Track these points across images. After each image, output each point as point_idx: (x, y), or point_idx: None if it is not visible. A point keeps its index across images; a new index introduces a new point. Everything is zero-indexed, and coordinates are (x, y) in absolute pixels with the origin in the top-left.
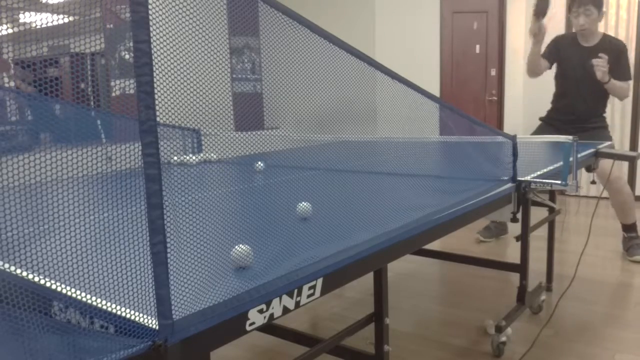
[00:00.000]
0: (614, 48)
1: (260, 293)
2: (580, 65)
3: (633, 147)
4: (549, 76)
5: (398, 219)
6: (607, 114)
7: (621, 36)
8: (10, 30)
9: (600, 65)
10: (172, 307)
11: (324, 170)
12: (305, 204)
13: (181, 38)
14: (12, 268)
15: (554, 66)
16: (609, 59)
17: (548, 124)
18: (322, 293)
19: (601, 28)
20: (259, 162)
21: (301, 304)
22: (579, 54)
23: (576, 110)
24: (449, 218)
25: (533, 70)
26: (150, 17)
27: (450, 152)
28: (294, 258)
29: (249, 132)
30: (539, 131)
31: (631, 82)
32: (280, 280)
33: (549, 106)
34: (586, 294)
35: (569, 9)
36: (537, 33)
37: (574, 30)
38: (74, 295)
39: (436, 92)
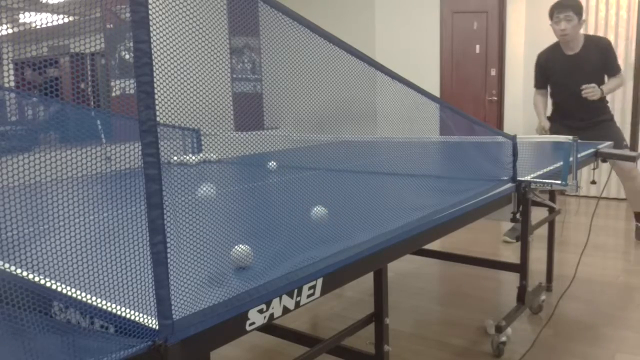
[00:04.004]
0: (598, 47)
1: (260, 293)
2: (568, 74)
3: (633, 147)
4: None
5: (398, 219)
6: None
7: (621, 36)
8: (10, 30)
9: (590, 93)
10: (172, 307)
11: (324, 170)
12: (319, 208)
13: (181, 38)
14: (12, 268)
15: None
16: (597, 58)
17: (561, 125)
18: (322, 293)
19: (601, 28)
20: (272, 162)
21: (301, 304)
22: (566, 64)
23: (577, 115)
24: (449, 218)
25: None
26: (150, 17)
27: (450, 152)
28: (294, 258)
29: (249, 132)
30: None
31: (622, 73)
32: (280, 280)
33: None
34: (586, 294)
35: (550, 16)
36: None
37: (556, 39)
38: (74, 295)
39: (436, 92)
